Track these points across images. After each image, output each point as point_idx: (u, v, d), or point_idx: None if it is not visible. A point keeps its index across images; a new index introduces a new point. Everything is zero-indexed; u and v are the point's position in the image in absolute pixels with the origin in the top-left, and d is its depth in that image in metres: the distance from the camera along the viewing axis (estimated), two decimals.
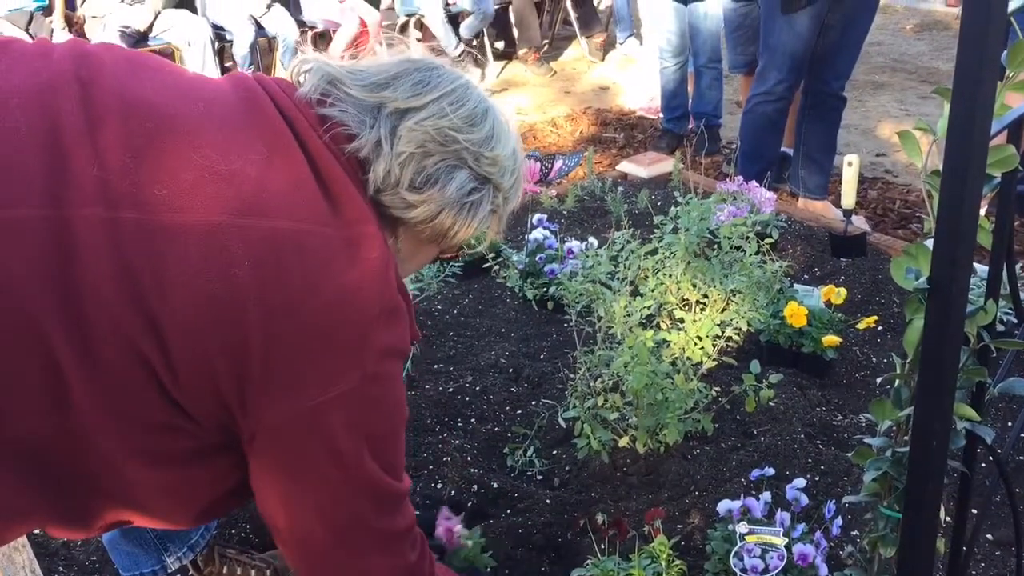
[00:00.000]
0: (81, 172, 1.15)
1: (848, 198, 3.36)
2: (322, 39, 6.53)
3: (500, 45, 7.36)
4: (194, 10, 5.97)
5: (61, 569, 2.03)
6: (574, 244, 3.13)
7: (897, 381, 1.27)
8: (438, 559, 1.82)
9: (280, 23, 6.14)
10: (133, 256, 1.14)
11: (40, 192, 1.13)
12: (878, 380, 2.63)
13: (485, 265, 3.09)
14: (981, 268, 2.01)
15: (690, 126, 5.13)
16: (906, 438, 1.23)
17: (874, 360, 2.76)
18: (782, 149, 4.33)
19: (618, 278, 2.35)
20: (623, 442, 2.28)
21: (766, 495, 1.93)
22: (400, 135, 1.32)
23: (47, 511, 1.25)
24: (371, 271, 1.26)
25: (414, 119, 1.33)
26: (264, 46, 6.48)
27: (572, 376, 2.40)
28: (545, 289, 3.06)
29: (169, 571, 1.76)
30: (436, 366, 2.75)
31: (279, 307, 1.19)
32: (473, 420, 2.49)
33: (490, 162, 1.39)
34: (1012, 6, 1.07)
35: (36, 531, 2.03)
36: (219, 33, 6.04)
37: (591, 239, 3.21)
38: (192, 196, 1.18)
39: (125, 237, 1.14)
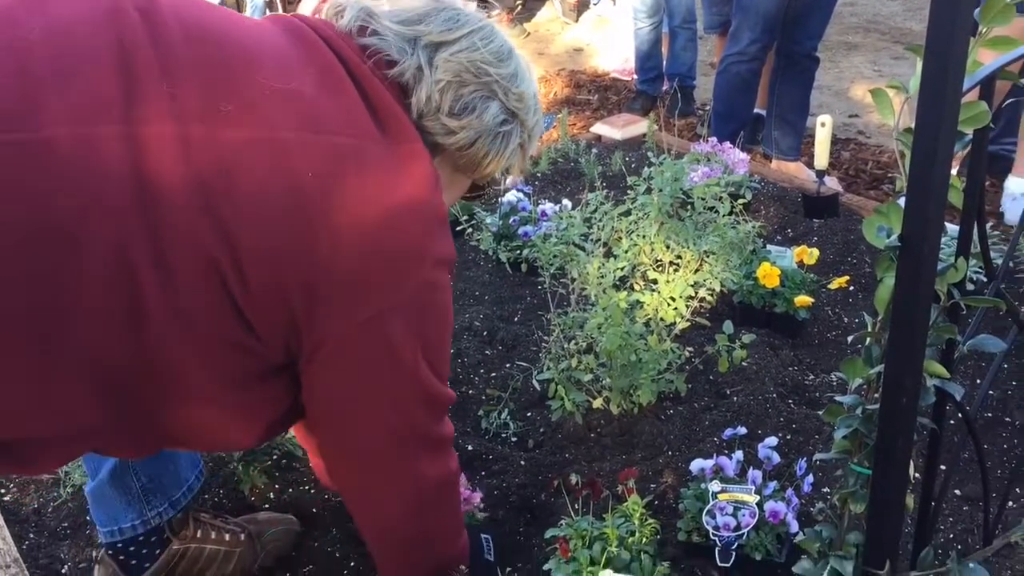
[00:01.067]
0: (151, 91, 1.19)
1: (821, 159, 3.37)
2: (291, 1, 6.42)
3: (473, 6, 7.26)
4: None
5: (32, 536, 2.01)
6: (548, 206, 3.12)
7: (868, 339, 1.27)
8: None
9: None
10: (204, 168, 1.19)
11: (116, 110, 1.17)
12: (849, 339, 2.65)
13: (458, 228, 3.08)
14: (952, 227, 2.02)
15: (664, 87, 5.11)
16: (876, 395, 1.24)
17: (846, 320, 2.78)
18: (755, 110, 4.32)
19: (592, 240, 2.34)
20: (597, 403, 2.29)
21: (738, 454, 1.95)
22: (437, 65, 1.41)
23: (114, 427, 1.29)
24: (424, 183, 1.34)
25: (448, 51, 1.42)
26: (232, 5, 6.36)
27: (546, 338, 2.40)
28: (519, 251, 3.05)
29: (148, 527, 1.75)
30: None
31: (344, 217, 1.26)
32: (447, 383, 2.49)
33: (517, 97, 1.49)
34: None
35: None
36: None
37: (565, 201, 3.20)
38: (255, 112, 1.24)
39: (195, 151, 1.19)
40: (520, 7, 7.46)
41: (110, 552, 1.76)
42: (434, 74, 1.40)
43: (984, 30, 1.13)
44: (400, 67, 1.39)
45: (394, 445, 1.47)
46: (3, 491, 2.16)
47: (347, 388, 1.40)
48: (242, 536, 1.88)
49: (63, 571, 1.91)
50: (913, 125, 1.03)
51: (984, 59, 1.15)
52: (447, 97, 1.41)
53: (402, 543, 1.62)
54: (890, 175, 4.16)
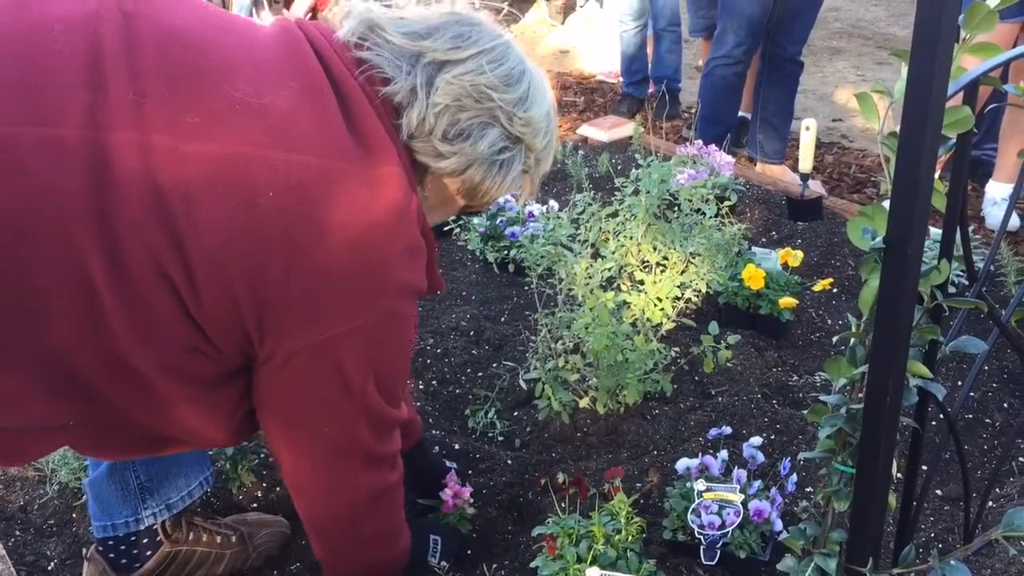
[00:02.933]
0: (118, 96, 1.19)
1: (805, 162, 3.40)
2: (278, 1, 6.41)
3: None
4: None
5: (18, 533, 2.01)
6: (535, 207, 3.14)
7: (852, 339, 1.29)
8: (432, 515, 1.94)
9: None
10: (163, 179, 1.18)
11: (81, 113, 1.17)
12: (834, 339, 2.68)
13: (446, 228, 3.08)
14: (935, 231, 2.04)
15: (650, 90, 5.13)
16: (860, 395, 1.26)
17: (829, 322, 2.81)
18: (740, 114, 4.35)
19: (579, 240, 2.36)
20: (583, 403, 2.30)
21: (723, 453, 1.96)
22: (437, 87, 1.36)
23: (82, 426, 1.31)
24: (394, 210, 1.30)
25: (452, 72, 1.37)
26: (218, 3, 6.34)
27: (533, 338, 2.41)
28: (506, 252, 3.06)
29: (142, 527, 1.75)
30: None
31: (302, 239, 1.24)
32: (434, 382, 2.50)
33: (523, 123, 1.42)
34: None
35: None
36: None
37: (552, 202, 3.22)
38: (223, 126, 1.22)
39: (156, 161, 1.18)
40: (507, 9, 7.47)
41: (100, 549, 1.76)
42: (432, 96, 1.36)
43: (967, 36, 1.15)
44: (393, 86, 1.35)
45: (332, 457, 1.48)
46: None
47: (290, 402, 1.40)
48: (233, 538, 1.87)
49: (49, 568, 1.91)
50: (898, 129, 1.05)
51: (967, 64, 1.18)
52: (442, 121, 1.37)
53: (335, 542, 1.64)
54: (873, 179, 4.20)
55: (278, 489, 2.10)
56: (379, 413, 1.45)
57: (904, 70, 1.05)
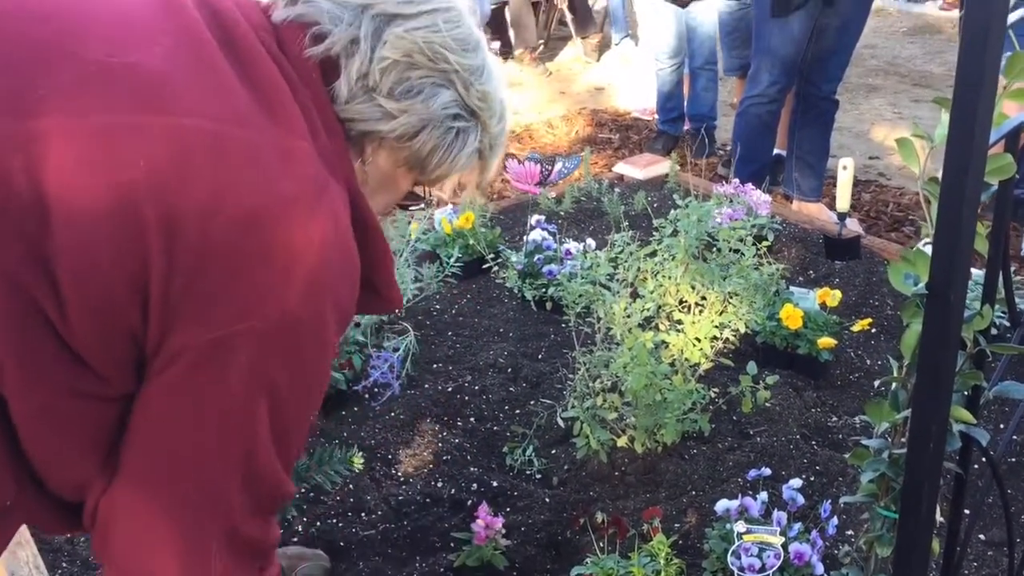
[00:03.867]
0: None
1: (843, 201, 3.40)
2: None
3: (496, 45, 7.38)
4: None
5: (64, 564, 2.04)
6: (572, 245, 3.16)
7: (894, 384, 1.29)
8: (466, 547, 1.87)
9: None
10: (6, 173, 0.98)
11: None
12: (876, 383, 2.66)
13: (484, 266, 3.12)
14: (976, 273, 2.04)
15: (685, 127, 5.16)
16: (903, 440, 1.26)
17: (868, 362, 2.80)
18: (776, 151, 4.36)
19: (617, 279, 2.37)
20: (621, 442, 2.31)
21: (763, 495, 1.96)
22: (385, 40, 1.18)
23: (33, 501, 1.13)
24: (310, 188, 1.09)
25: (403, 26, 1.19)
26: None
27: (571, 376, 2.42)
28: (544, 290, 3.08)
29: None
30: (435, 365, 2.77)
31: (187, 214, 1.02)
32: (472, 419, 2.51)
33: (480, 96, 1.25)
34: (1011, 19, 1.10)
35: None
36: None
37: (589, 240, 3.24)
38: (74, 95, 1.03)
39: None
40: (542, 47, 7.56)
41: None
42: (378, 49, 1.17)
43: (1009, 84, 1.16)
44: (329, 40, 1.16)
45: (181, 521, 1.10)
46: None
47: (156, 412, 1.09)
48: None
49: None
50: (939, 175, 1.06)
51: (1009, 111, 1.19)
52: (388, 79, 1.18)
53: None
54: (911, 216, 4.18)
55: (318, 524, 2.12)
56: (261, 460, 1.12)
57: (944, 116, 1.06)
